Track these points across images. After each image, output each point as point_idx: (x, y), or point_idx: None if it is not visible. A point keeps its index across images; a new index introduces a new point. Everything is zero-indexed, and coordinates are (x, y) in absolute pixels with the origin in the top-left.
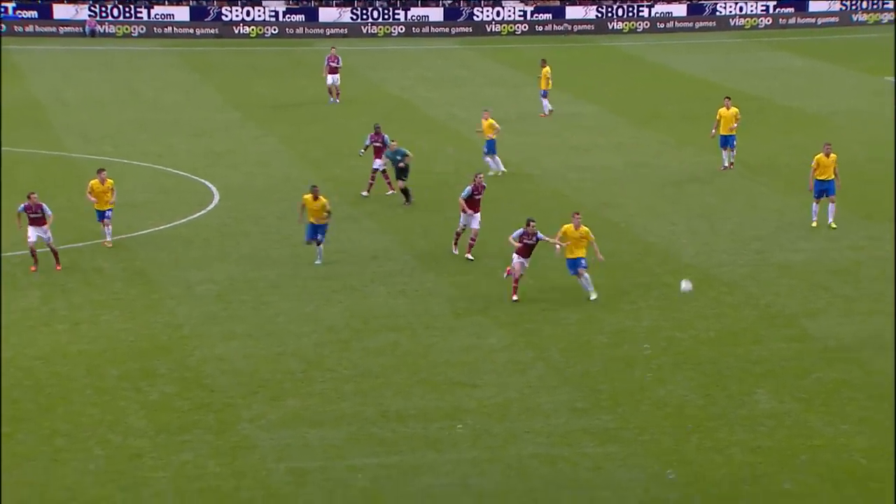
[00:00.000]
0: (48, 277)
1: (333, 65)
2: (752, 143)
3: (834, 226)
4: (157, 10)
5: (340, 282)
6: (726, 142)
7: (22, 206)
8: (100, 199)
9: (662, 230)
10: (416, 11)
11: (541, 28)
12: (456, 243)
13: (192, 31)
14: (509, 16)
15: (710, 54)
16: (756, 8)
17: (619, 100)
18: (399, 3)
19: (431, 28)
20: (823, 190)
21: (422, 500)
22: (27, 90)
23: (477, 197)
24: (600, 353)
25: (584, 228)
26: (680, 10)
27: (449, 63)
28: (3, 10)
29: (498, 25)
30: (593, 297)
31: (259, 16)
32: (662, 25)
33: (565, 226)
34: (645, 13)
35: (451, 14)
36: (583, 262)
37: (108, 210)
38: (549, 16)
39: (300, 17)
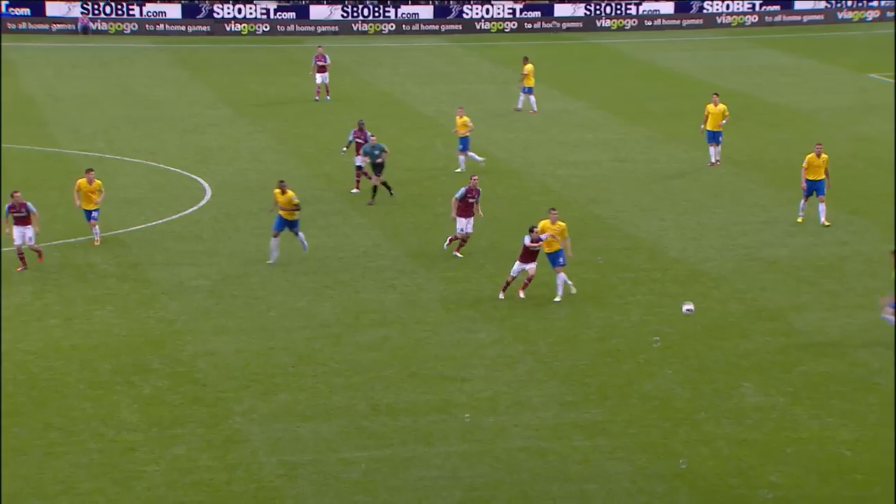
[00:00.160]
0: (41, 273)
1: (321, 63)
2: (739, 139)
3: (827, 223)
4: (149, 7)
5: (331, 277)
6: (713, 138)
7: (7, 206)
8: (87, 198)
9: (650, 225)
10: (406, 9)
11: (530, 26)
12: (449, 244)
13: (183, 28)
14: (498, 13)
15: (697, 52)
16: (742, 6)
17: (606, 96)
18: (389, 1)
19: (421, 25)
20: (813, 189)
21: (412, 493)
22: (20, 87)
23: (471, 200)
24: (588, 348)
25: (560, 224)
26: (667, 7)
27: (438, 60)
28: None
29: (487, 23)
30: (557, 299)
31: (250, 13)
32: (650, 23)
33: (542, 221)
34: (633, 11)
35: (441, 12)
36: (561, 257)
37: (95, 210)
38: (537, 13)
39: (291, 15)
